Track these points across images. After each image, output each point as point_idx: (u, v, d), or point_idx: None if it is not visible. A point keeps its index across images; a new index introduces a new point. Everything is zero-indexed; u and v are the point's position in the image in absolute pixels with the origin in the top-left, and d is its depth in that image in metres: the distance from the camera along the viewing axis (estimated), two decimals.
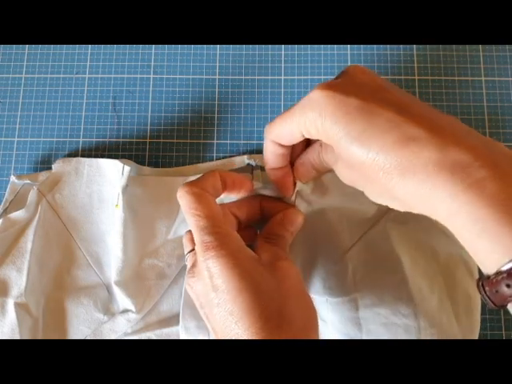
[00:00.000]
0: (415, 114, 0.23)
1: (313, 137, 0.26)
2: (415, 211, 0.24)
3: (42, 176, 0.39)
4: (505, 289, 0.20)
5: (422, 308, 0.32)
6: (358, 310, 0.32)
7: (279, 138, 0.28)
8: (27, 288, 0.34)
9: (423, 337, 0.32)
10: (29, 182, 0.38)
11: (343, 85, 0.25)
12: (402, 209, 0.25)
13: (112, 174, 0.37)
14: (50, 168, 0.39)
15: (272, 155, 0.29)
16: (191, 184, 0.27)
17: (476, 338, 0.33)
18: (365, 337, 0.32)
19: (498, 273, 0.20)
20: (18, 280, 0.35)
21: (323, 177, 0.33)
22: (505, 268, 0.19)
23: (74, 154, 0.41)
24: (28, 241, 0.36)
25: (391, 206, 0.26)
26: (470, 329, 0.33)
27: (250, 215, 0.32)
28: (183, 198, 0.27)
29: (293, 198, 0.32)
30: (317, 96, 0.24)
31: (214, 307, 0.26)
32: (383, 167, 0.23)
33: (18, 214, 0.36)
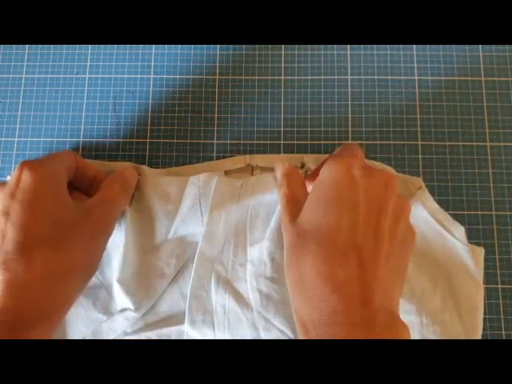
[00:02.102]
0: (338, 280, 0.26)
1: None
2: None
3: None
4: None
5: (425, 306, 0.33)
6: None
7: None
8: None
9: (426, 333, 0.33)
10: None
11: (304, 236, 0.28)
12: None
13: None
14: None
15: None
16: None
17: (479, 336, 0.34)
18: None
19: None
20: None
21: None
22: None
23: None
24: None
25: None
26: (474, 329, 0.34)
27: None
28: None
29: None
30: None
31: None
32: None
33: None
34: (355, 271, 0.25)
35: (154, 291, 0.35)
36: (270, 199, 0.36)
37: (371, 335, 0.24)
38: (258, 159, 0.39)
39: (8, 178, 0.39)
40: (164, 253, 0.36)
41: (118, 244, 0.35)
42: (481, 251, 0.36)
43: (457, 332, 0.33)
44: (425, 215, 0.36)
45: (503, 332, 0.36)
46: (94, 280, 0.36)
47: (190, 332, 0.34)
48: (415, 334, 0.33)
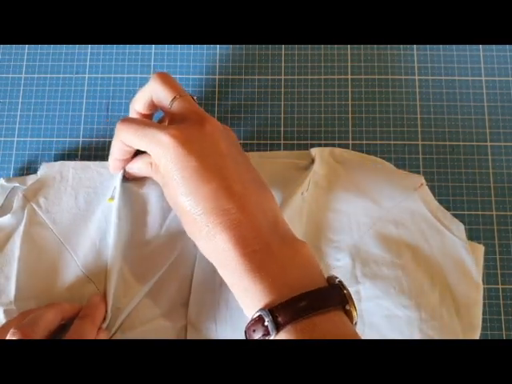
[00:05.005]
0: (233, 192, 0.28)
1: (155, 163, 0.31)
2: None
3: (31, 180, 0.38)
4: (251, 333, 0.26)
5: (423, 301, 0.34)
6: (361, 301, 0.34)
7: (127, 142, 0.32)
8: (16, 295, 0.34)
9: (424, 329, 0.33)
10: (17, 185, 0.38)
11: (192, 140, 0.29)
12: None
13: (98, 174, 0.38)
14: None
15: (119, 151, 0.34)
16: None
17: (478, 333, 0.34)
18: (367, 330, 0.33)
19: (251, 319, 0.26)
20: (7, 287, 0.35)
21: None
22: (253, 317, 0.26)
23: (73, 154, 0.41)
24: (15, 248, 0.35)
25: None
26: (471, 325, 0.34)
27: None
28: None
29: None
30: (166, 142, 0.29)
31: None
32: (200, 223, 0.28)
33: (4, 220, 0.36)
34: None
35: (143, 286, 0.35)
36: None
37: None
38: (256, 156, 0.39)
39: (2, 180, 0.39)
40: (156, 246, 0.36)
41: (108, 241, 0.35)
42: (481, 248, 0.36)
43: (454, 328, 0.34)
44: (424, 212, 0.36)
45: (503, 332, 0.36)
46: (82, 276, 0.35)
47: (192, 324, 0.34)
48: (414, 329, 0.33)
